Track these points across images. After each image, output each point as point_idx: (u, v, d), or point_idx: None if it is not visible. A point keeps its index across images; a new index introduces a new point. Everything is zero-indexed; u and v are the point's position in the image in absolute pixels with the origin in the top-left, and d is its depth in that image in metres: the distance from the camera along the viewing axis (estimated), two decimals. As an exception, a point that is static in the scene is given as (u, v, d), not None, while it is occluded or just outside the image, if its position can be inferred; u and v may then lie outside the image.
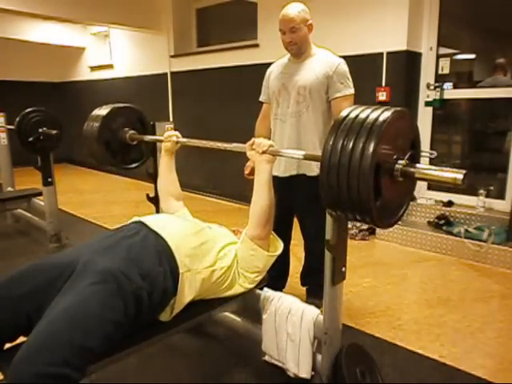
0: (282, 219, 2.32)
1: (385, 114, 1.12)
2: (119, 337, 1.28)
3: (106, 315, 1.21)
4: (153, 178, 2.23)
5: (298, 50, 2.10)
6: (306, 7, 2.07)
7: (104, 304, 1.22)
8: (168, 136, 1.96)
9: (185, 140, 1.97)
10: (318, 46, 2.18)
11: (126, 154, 2.18)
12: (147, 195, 2.29)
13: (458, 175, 1.11)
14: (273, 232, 1.70)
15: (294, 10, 2.02)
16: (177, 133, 1.99)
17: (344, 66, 2.09)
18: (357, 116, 1.16)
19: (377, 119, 1.11)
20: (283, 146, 2.17)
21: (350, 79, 2.10)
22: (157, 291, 1.38)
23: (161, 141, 2.02)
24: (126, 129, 2.12)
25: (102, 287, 1.25)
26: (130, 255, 1.39)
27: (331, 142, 1.14)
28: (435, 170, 1.18)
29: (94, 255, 1.37)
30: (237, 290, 1.65)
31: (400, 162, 1.18)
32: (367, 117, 1.14)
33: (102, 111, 2.08)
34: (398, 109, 1.16)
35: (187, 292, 1.49)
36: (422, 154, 1.29)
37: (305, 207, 2.24)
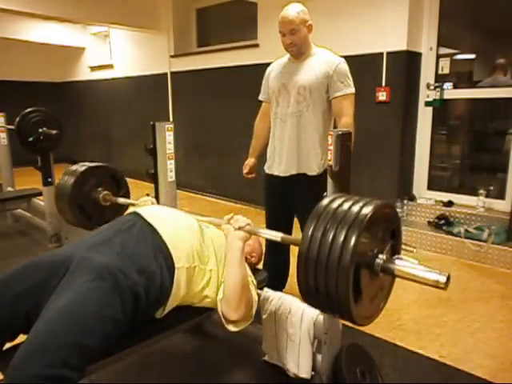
0: (282, 220, 2.32)
1: (366, 209, 1.06)
2: (117, 334, 1.27)
3: (104, 313, 1.21)
4: (153, 178, 2.22)
5: (298, 51, 2.10)
6: (304, 8, 2.06)
7: (101, 302, 1.22)
8: (143, 202, 1.93)
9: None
10: (318, 45, 2.18)
11: (100, 215, 2.14)
12: (147, 195, 2.29)
13: (440, 277, 1.03)
14: (254, 307, 1.55)
15: (293, 12, 2.01)
16: (153, 199, 1.96)
17: (344, 65, 2.09)
18: (338, 207, 1.10)
19: (358, 213, 1.05)
20: (283, 146, 2.17)
21: (351, 78, 2.09)
22: (154, 287, 1.37)
23: (134, 205, 1.97)
24: (99, 189, 2.09)
25: (98, 284, 1.24)
26: (125, 250, 1.38)
27: (310, 232, 1.08)
28: (417, 269, 1.09)
29: (90, 252, 1.35)
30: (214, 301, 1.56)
31: (380, 256, 1.11)
32: (348, 209, 1.08)
33: (75, 171, 2.05)
34: (380, 202, 1.11)
35: (182, 287, 1.47)
36: (403, 248, 1.23)
37: (305, 207, 2.23)
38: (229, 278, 1.48)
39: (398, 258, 1.13)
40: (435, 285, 1.04)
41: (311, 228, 1.09)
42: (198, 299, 1.56)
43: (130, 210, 1.66)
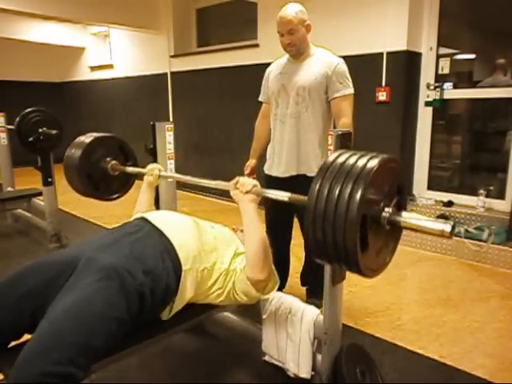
0: (282, 220, 2.32)
1: (372, 162, 1.09)
2: (122, 334, 1.28)
3: (110, 313, 1.21)
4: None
5: (297, 51, 2.09)
6: (303, 8, 2.06)
7: (107, 301, 1.22)
8: (150, 170, 1.94)
9: (168, 174, 1.95)
10: (317, 45, 2.18)
11: (108, 185, 2.14)
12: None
13: (445, 227, 1.07)
14: (273, 267, 1.59)
15: (291, 12, 2.01)
16: (159, 166, 1.96)
17: (343, 66, 2.08)
18: (343, 162, 1.12)
19: (364, 167, 1.08)
20: (283, 148, 2.17)
21: (350, 79, 2.09)
22: (159, 288, 1.38)
23: (143, 174, 1.98)
24: (108, 159, 2.08)
25: (104, 284, 1.24)
26: (132, 252, 1.39)
27: (317, 188, 1.10)
28: (422, 220, 1.13)
29: (97, 252, 1.36)
30: (230, 298, 1.58)
31: (386, 209, 1.14)
32: (354, 164, 1.10)
33: (84, 140, 2.04)
34: (385, 156, 1.13)
35: (189, 290, 1.48)
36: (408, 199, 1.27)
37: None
38: (249, 241, 1.51)
39: (404, 212, 1.17)
40: (441, 234, 1.07)
41: (318, 183, 1.11)
42: (204, 296, 1.57)
43: (138, 215, 1.66)
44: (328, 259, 1.18)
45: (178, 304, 1.48)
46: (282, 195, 1.47)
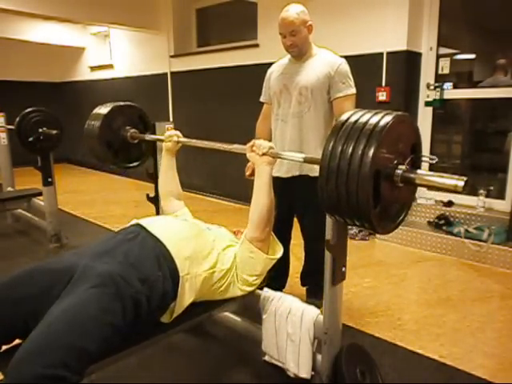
0: (283, 219, 2.32)
1: (385, 119, 1.11)
2: (118, 341, 1.27)
3: (105, 318, 1.21)
4: (153, 178, 2.23)
5: (299, 52, 2.09)
6: (304, 8, 2.06)
7: (102, 307, 1.22)
8: (169, 136, 1.96)
9: (186, 140, 1.97)
10: (319, 45, 2.18)
11: (127, 153, 2.18)
12: (147, 195, 2.29)
13: (458, 182, 1.11)
14: (273, 234, 1.69)
15: (292, 13, 2.01)
16: (178, 132, 1.99)
17: (345, 66, 2.09)
18: (357, 120, 1.14)
19: (377, 124, 1.10)
20: (284, 147, 2.17)
21: (352, 79, 2.09)
22: (156, 295, 1.38)
23: (162, 140, 2.02)
24: (127, 127, 2.11)
25: (100, 290, 1.25)
26: (128, 259, 1.39)
27: (330, 146, 1.13)
28: (436, 176, 1.17)
29: (93, 260, 1.37)
30: (235, 292, 1.65)
31: (400, 167, 1.16)
32: (367, 121, 1.12)
33: (103, 110, 2.07)
34: (399, 113, 1.15)
35: (188, 295, 1.49)
36: (423, 158, 1.28)
37: (306, 207, 2.24)
38: (257, 202, 1.60)
39: (418, 169, 1.20)
40: (454, 189, 1.12)
41: (332, 141, 1.14)
42: (208, 296, 1.60)
43: (133, 221, 1.66)
44: (340, 214, 1.20)
45: (178, 309, 1.48)
46: (297, 156, 1.54)
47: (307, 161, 1.51)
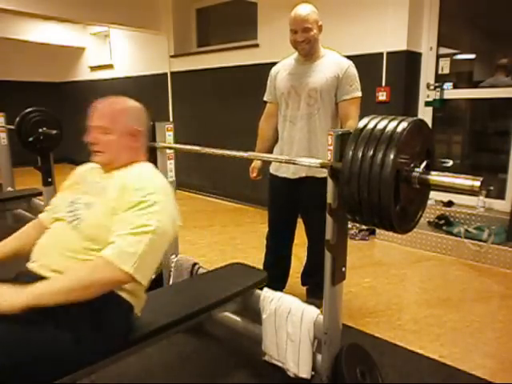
0: (285, 221, 2.32)
1: (403, 124, 1.17)
2: None
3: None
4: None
5: (310, 50, 2.08)
6: (315, 8, 2.07)
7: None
8: None
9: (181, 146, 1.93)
10: (325, 47, 2.17)
11: None
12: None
13: (475, 182, 1.13)
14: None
15: (306, 10, 2.02)
16: None
17: (354, 69, 2.09)
18: (375, 126, 1.21)
19: (395, 129, 1.16)
20: (293, 148, 2.16)
21: (359, 82, 2.10)
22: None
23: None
24: None
25: None
26: None
27: (351, 151, 1.20)
28: (451, 177, 1.20)
29: None
30: None
31: (417, 169, 1.22)
32: (386, 127, 1.18)
33: None
34: (416, 118, 1.21)
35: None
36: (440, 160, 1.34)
37: (312, 208, 2.23)
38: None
39: (433, 171, 1.26)
40: (471, 189, 1.14)
41: (352, 147, 1.21)
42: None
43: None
44: (361, 215, 1.25)
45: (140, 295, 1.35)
46: (314, 162, 1.56)
47: (324, 166, 1.48)
